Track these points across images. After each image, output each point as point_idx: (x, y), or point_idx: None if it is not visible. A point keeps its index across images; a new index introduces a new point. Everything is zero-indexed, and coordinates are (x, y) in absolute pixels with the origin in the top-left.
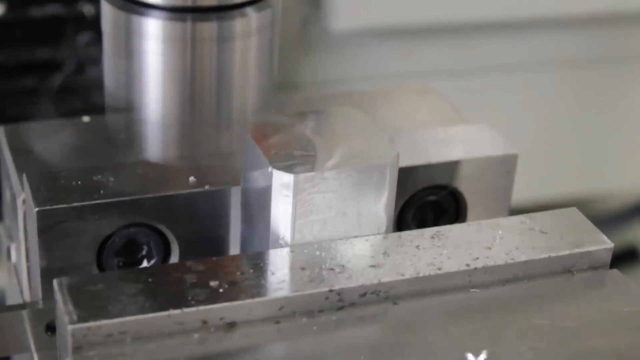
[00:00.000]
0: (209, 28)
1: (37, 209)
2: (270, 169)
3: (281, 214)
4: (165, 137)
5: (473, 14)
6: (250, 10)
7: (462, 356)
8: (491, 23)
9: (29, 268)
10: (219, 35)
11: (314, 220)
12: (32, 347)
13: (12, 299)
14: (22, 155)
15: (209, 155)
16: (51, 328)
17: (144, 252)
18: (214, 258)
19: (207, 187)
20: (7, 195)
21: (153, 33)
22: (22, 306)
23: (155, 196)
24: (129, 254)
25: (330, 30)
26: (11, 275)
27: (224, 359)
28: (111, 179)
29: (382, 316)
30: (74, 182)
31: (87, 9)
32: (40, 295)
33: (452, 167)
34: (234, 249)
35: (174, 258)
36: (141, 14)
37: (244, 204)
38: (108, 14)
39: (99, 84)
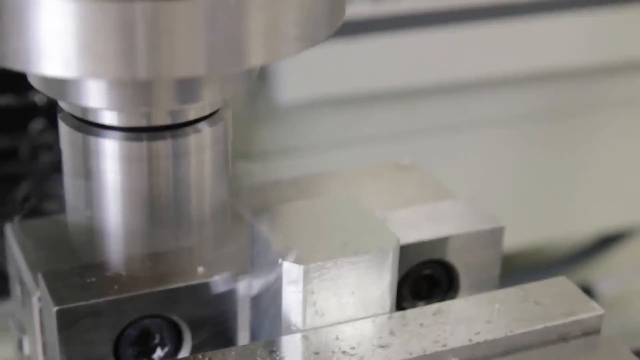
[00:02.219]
0: (164, 146)
1: (56, 308)
2: (280, 260)
3: (292, 302)
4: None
5: (417, 79)
6: (203, 125)
7: None
8: (436, 86)
9: None
10: (174, 152)
11: (323, 306)
12: None
13: None
14: (32, 253)
15: (213, 246)
16: None
17: (157, 341)
18: (231, 348)
19: (215, 277)
20: (17, 290)
21: (110, 153)
22: None
23: (168, 288)
24: (143, 343)
25: (277, 102)
26: None
27: None
28: (123, 273)
29: None
30: (88, 279)
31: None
32: None
33: (444, 242)
34: (243, 333)
35: (187, 345)
36: (97, 134)
37: (253, 292)
38: (65, 134)
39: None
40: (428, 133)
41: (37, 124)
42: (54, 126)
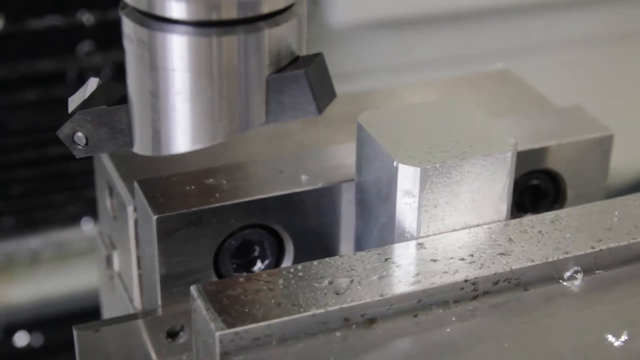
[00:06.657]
0: (235, 41)
1: (156, 216)
2: (395, 162)
3: (407, 207)
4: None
5: (470, 1)
6: (277, 20)
7: (602, 338)
8: (488, 9)
9: (140, 276)
10: (245, 48)
11: (438, 212)
12: (153, 355)
13: (111, 306)
14: (124, 163)
15: (314, 152)
16: (171, 334)
17: (257, 253)
18: (343, 255)
19: (320, 184)
20: (106, 204)
21: (177, 49)
22: (139, 315)
23: (272, 196)
24: (244, 255)
25: (330, 25)
26: (113, 283)
27: (368, 354)
28: (224, 181)
29: (515, 302)
30: (187, 187)
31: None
32: (159, 302)
33: (552, 150)
34: (346, 243)
35: (288, 257)
36: (164, 29)
37: (360, 199)
38: (129, 31)
39: None
40: (483, 58)
41: (84, 47)
42: (102, 48)
